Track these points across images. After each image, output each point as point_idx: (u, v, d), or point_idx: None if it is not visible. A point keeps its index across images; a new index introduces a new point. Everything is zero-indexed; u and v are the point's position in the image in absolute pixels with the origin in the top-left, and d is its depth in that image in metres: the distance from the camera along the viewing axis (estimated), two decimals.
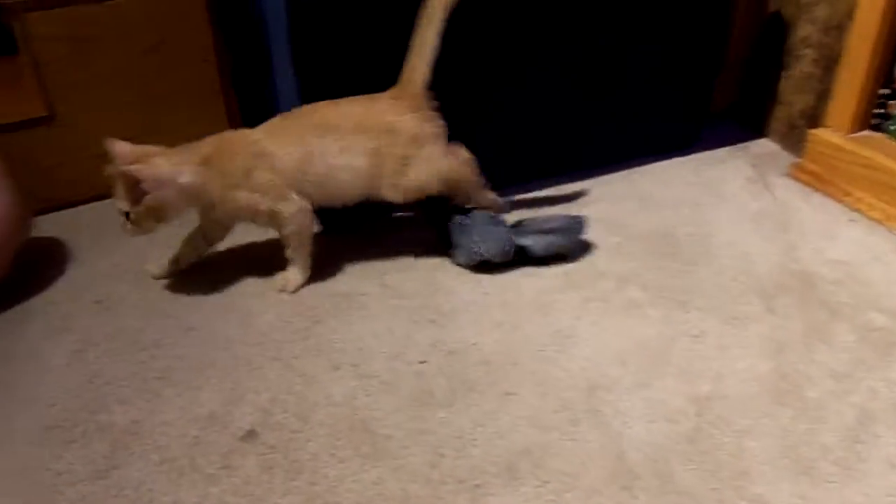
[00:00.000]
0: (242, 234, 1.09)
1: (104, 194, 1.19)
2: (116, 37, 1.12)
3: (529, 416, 0.81)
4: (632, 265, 1.05)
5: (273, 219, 0.97)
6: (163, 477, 0.74)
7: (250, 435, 0.78)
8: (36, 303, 1.00)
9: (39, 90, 1.12)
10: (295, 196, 0.96)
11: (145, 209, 0.92)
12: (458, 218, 1.03)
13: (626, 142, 1.28)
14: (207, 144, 0.96)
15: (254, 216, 0.97)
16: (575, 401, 0.83)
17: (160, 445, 0.78)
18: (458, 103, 1.10)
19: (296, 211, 0.96)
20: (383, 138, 0.96)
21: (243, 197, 0.95)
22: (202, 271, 1.04)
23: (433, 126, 1.00)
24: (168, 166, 0.92)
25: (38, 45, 1.09)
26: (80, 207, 1.20)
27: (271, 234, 1.02)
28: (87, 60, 1.12)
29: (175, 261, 1.03)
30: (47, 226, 1.13)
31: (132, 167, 0.90)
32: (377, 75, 0.98)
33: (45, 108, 1.13)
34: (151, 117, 1.19)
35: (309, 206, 0.98)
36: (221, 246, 1.07)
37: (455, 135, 1.13)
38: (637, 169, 1.28)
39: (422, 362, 0.88)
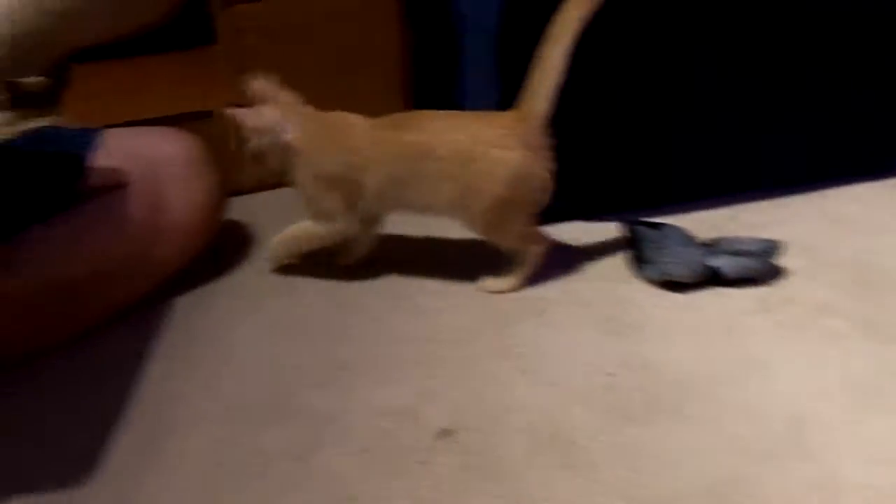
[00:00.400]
0: (430, 229, 1.11)
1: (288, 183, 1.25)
2: (311, 32, 1.16)
3: (730, 443, 0.77)
4: (826, 293, 0.98)
5: (319, 217, 0.98)
6: (358, 466, 0.75)
7: (445, 433, 0.78)
8: (224, 284, 1.04)
9: (236, 80, 1.16)
10: (352, 218, 0.97)
11: (249, 154, 0.95)
12: (649, 233, 1.00)
13: (816, 160, 1.21)
14: (325, 120, 0.97)
15: (308, 207, 0.98)
16: (778, 432, 0.78)
17: (354, 435, 0.78)
18: (642, 114, 1.08)
19: (341, 230, 0.98)
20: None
21: (312, 190, 0.96)
22: (386, 263, 1.06)
23: (539, 167, 0.93)
24: (276, 119, 0.94)
25: (239, 36, 1.14)
26: (266, 193, 1.25)
27: (459, 233, 1.02)
28: (282, 53, 1.16)
29: (353, 246, 1.05)
30: (233, 209, 1.17)
31: (236, 111, 0.94)
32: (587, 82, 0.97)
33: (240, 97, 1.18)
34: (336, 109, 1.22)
35: (354, 229, 0.99)
36: (407, 241, 1.10)
37: (637, 145, 1.10)
38: (827, 191, 1.20)
39: (611, 375, 0.85)
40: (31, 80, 1.60)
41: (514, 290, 0.99)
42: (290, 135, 0.95)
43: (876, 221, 1.13)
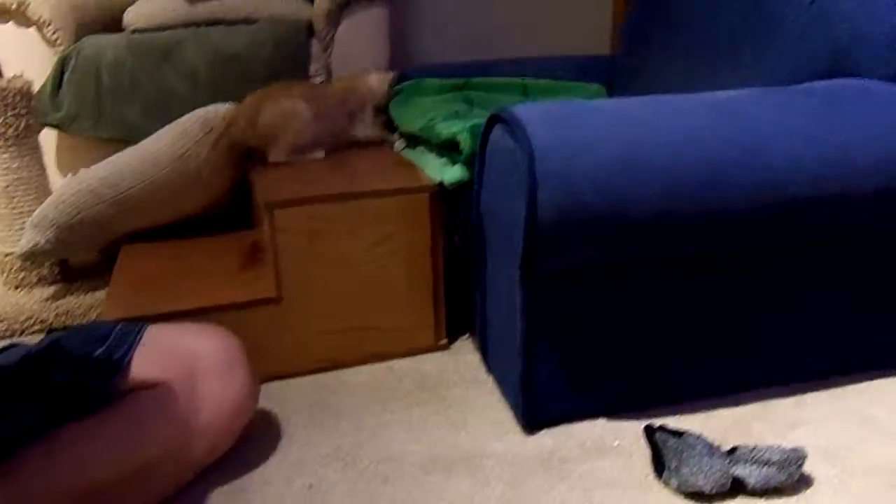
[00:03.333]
0: (445, 436, 1.12)
1: (320, 369, 1.28)
2: (347, 232, 1.24)
3: None
4: None
5: None
6: None
7: None
8: (251, 480, 1.05)
9: (274, 275, 1.23)
10: None
11: None
12: (671, 440, 1.01)
13: (838, 354, 1.22)
14: None
15: None
16: None
17: None
18: (661, 313, 1.11)
19: None
20: None
21: None
22: (413, 464, 1.06)
23: None
24: None
25: (281, 237, 1.21)
26: (297, 380, 1.28)
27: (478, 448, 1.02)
28: (319, 251, 1.23)
29: None
30: (263, 396, 1.20)
31: None
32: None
33: (276, 290, 1.24)
34: (366, 303, 1.28)
35: None
36: (433, 441, 1.11)
37: (656, 343, 1.13)
38: (853, 387, 1.21)
39: None
40: (82, 258, 1.71)
41: None
42: None
43: None
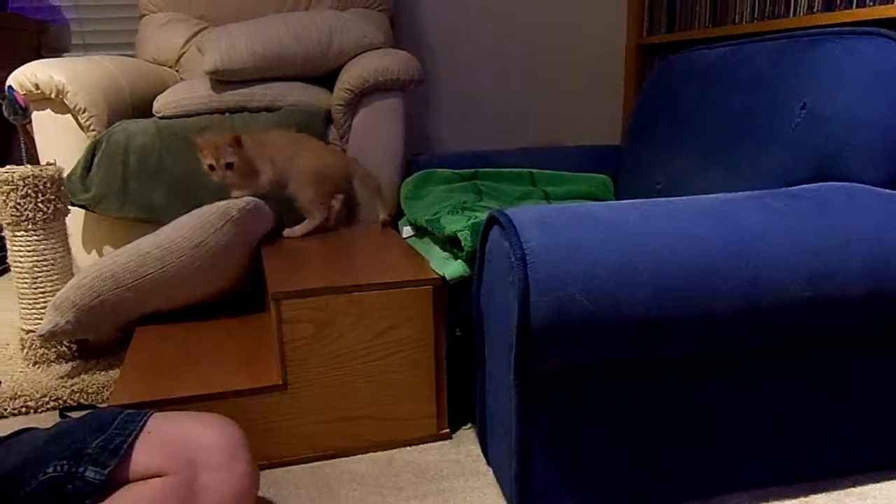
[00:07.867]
0: None
1: (322, 457, 1.30)
2: (351, 323, 1.27)
3: None
4: None
5: None
6: None
7: None
8: None
9: (280, 363, 1.27)
10: None
11: None
12: None
13: (843, 453, 1.21)
14: None
15: None
16: None
17: None
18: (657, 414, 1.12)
19: None
20: None
21: None
22: None
23: None
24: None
25: (287, 327, 1.25)
26: (298, 467, 1.30)
27: None
28: (324, 340, 1.27)
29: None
30: (264, 483, 1.22)
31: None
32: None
33: (282, 377, 1.27)
34: (369, 392, 1.30)
35: None
36: None
37: (650, 437, 1.13)
38: (858, 489, 1.19)
39: None
40: (101, 336, 1.76)
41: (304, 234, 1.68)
42: None
43: None
